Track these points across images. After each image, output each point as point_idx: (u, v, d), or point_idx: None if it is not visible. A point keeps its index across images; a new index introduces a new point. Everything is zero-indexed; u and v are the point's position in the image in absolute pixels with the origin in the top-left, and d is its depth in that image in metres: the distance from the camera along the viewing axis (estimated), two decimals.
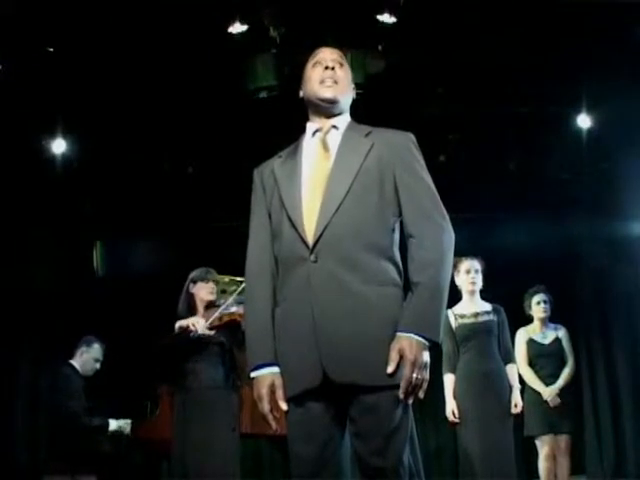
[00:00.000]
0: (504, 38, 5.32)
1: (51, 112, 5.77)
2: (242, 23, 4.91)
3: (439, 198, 2.05)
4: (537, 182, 6.91)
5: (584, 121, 6.04)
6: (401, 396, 1.85)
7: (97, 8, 4.86)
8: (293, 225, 1.99)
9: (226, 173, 6.56)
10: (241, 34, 4.98)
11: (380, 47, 5.42)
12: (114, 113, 5.75)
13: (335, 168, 2.04)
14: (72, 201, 6.57)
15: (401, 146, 2.09)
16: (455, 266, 4.44)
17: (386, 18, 4.91)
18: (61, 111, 5.73)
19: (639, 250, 6.35)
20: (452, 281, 4.28)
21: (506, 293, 5.42)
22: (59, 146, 5.97)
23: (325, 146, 2.11)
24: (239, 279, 4.53)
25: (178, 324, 4.09)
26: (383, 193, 2.02)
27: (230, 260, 5.12)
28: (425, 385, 1.88)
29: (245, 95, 5.58)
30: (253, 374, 2.00)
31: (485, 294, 4.56)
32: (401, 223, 2.06)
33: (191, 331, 4.04)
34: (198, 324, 4.05)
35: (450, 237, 2.00)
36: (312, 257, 1.94)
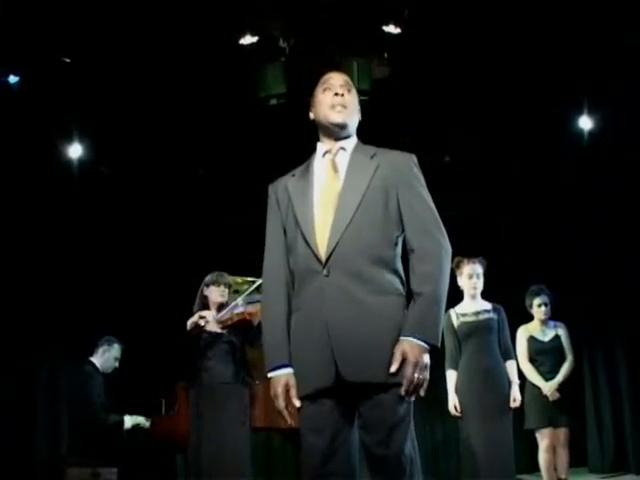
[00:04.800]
0: (505, 46, 5.47)
1: (68, 119, 5.94)
2: (252, 35, 5.08)
3: (438, 215, 2.22)
4: (538, 182, 7.05)
5: (585, 122, 6.18)
6: (403, 394, 2.04)
7: (114, 21, 5.04)
8: (307, 242, 2.17)
9: (238, 175, 6.76)
10: (252, 45, 5.15)
11: (386, 55, 5.58)
12: (131, 120, 5.94)
13: (344, 189, 2.21)
14: (90, 202, 6.71)
15: (404, 167, 2.25)
16: (458, 267, 4.58)
17: (391, 29, 5.05)
18: (79, 118, 5.89)
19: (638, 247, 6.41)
20: (454, 282, 4.46)
21: (508, 289, 5.56)
22: (75, 150, 6.15)
23: (335, 167, 2.27)
24: (251, 279, 4.75)
25: (189, 322, 4.32)
26: (387, 210, 2.19)
27: (242, 259, 5.35)
28: (425, 384, 2.07)
29: (256, 102, 5.75)
30: (270, 374, 2.19)
31: (487, 292, 4.65)
32: (403, 237, 2.23)
33: (201, 325, 4.27)
34: (208, 316, 4.29)
35: (447, 251, 2.18)
36: (324, 271, 2.13)
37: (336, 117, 2.29)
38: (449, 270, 2.18)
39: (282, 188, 2.32)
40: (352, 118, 2.34)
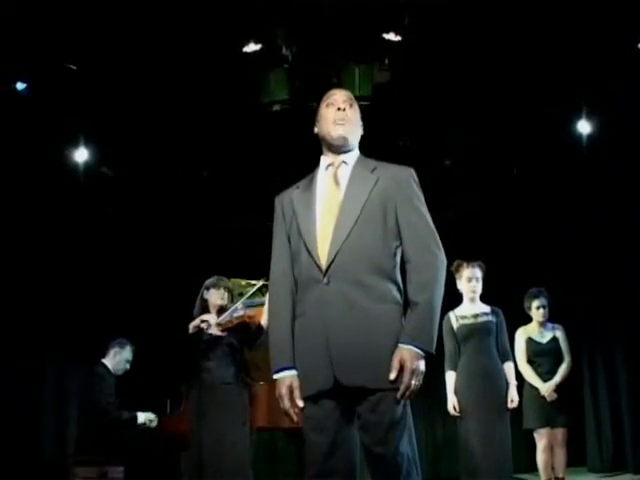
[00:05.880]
0: (503, 49, 5.56)
1: (74, 124, 6.05)
2: (256, 43, 5.19)
3: (434, 228, 2.32)
4: (538, 183, 7.12)
5: (585, 124, 6.25)
6: (398, 397, 2.15)
7: (120, 28, 5.14)
8: (309, 252, 2.28)
9: (241, 179, 6.88)
10: (255, 53, 5.26)
11: (386, 61, 5.67)
12: (137, 125, 6.07)
13: (345, 201, 2.32)
14: (95, 205, 6.83)
15: (402, 181, 2.36)
16: (457, 270, 4.66)
17: (392, 36, 5.15)
18: (86, 123, 6.00)
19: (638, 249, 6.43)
20: (454, 285, 4.56)
21: (508, 292, 5.63)
22: (82, 155, 6.25)
23: (336, 180, 2.38)
24: (254, 282, 4.87)
25: (191, 325, 4.43)
26: (386, 223, 2.29)
27: (245, 262, 5.44)
28: (417, 390, 2.17)
29: (260, 108, 5.86)
30: (275, 376, 2.30)
31: (488, 295, 4.72)
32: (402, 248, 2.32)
33: (203, 328, 4.38)
34: (210, 319, 4.41)
35: (442, 263, 2.29)
36: (325, 280, 2.23)
37: (338, 131, 2.40)
38: (444, 280, 2.28)
39: (287, 200, 2.43)
40: (353, 133, 2.45)
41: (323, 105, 2.47)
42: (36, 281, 6.21)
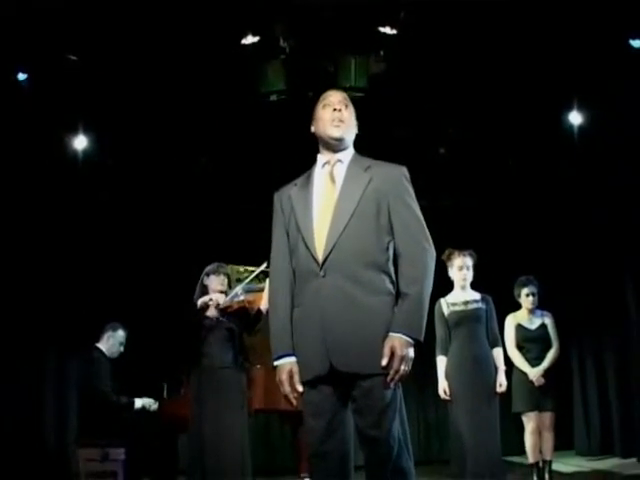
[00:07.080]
0: (499, 41, 5.64)
1: (74, 113, 6.12)
2: (254, 35, 5.28)
3: (424, 224, 2.46)
4: (532, 175, 7.22)
5: (575, 117, 6.35)
6: (388, 381, 2.28)
7: (123, 20, 5.22)
8: (306, 246, 2.41)
9: (241, 165, 6.98)
10: (253, 44, 5.35)
11: (382, 53, 5.76)
12: (139, 115, 6.17)
13: (340, 198, 2.44)
14: (95, 193, 6.92)
15: (395, 179, 2.49)
16: (449, 259, 4.78)
17: (387, 30, 5.24)
18: (86, 113, 6.08)
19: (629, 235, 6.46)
20: (445, 272, 4.69)
21: (498, 278, 5.78)
22: (81, 142, 6.33)
23: (332, 178, 2.51)
24: (252, 268, 5.00)
25: (200, 300, 4.56)
26: (379, 218, 2.42)
27: (242, 249, 5.55)
28: (406, 375, 2.31)
29: (257, 98, 5.95)
30: (275, 363, 2.43)
31: (478, 283, 4.83)
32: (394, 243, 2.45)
33: (210, 305, 4.52)
34: (219, 298, 4.55)
35: (432, 257, 2.42)
36: (321, 273, 2.37)
37: (334, 132, 2.52)
38: (433, 273, 2.41)
39: (286, 197, 2.55)
40: (349, 133, 2.57)
41: (320, 106, 2.59)
42: (36, 268, 6.30)
